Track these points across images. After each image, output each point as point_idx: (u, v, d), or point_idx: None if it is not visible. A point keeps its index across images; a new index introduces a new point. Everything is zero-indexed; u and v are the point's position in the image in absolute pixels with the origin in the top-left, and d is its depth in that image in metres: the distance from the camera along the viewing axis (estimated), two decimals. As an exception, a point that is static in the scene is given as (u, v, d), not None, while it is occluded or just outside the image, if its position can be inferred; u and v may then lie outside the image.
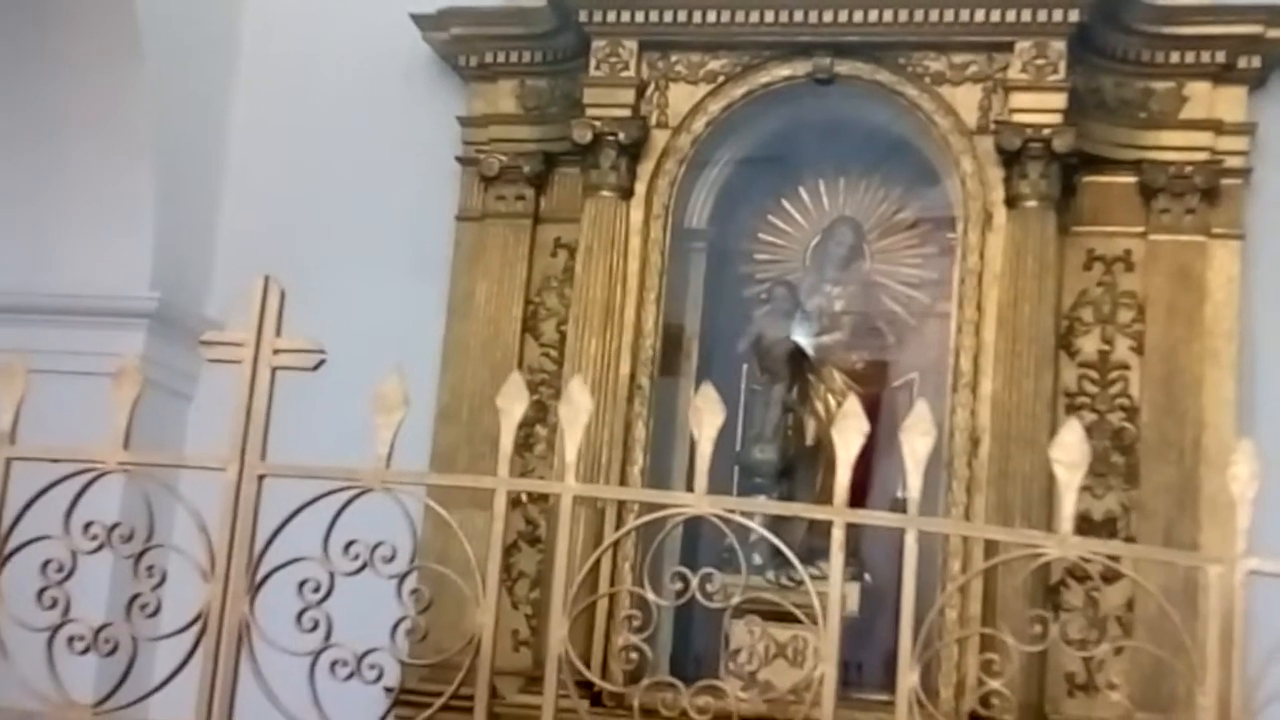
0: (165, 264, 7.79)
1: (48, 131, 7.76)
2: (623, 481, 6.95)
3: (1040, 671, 6.46)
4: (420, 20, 7.75)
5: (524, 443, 7.34)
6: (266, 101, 8.31)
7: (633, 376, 7.13)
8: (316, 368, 3.46)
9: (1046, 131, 6.76)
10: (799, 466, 7.44)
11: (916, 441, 3.17)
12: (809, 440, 7.47)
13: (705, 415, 3.27)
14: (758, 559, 6.29)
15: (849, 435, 3.21)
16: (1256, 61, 6.98)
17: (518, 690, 6.61)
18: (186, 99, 8.04)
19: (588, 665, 6.14)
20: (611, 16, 7.28)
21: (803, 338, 7.56)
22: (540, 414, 7.28)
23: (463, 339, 7.54)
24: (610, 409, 7.02)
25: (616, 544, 6.71)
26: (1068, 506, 3.11)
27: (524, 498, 7.27)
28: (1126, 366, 6.95)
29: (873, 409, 6.99)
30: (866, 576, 6.99)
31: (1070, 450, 3.13)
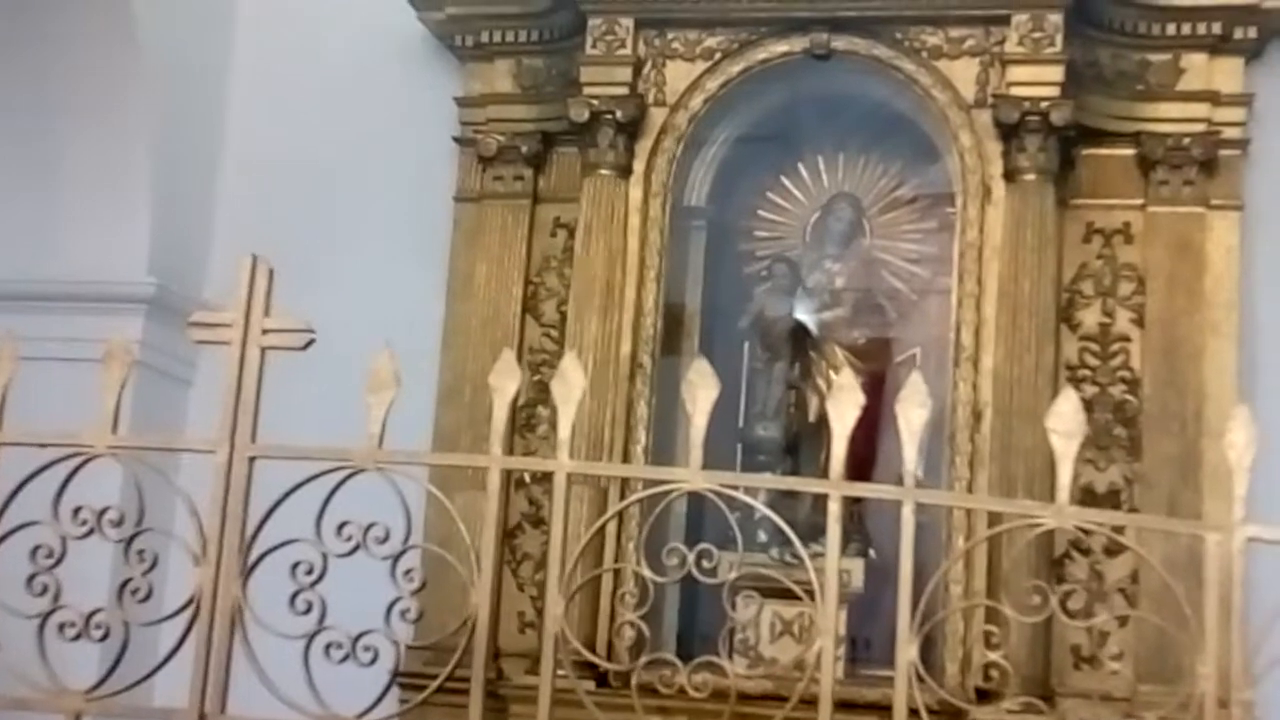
0: (163, 249, 7.78)
1: (44, 117, 7.75)
2: (625, 461, 6.93)
3: (1045, 645, 6.44)
4: (415, 0, 7.72)
5: (526, 424, 7.35)
6: (263, 85, 8.29)
7: (634, 355, 7.12)
8: (306, 347, 3.43)
9: (1044, 105, 6.75)
10: (803, 443, 7.40)
11: (912, 413, 3.15)
12: (812, 417, 7.40)
13: (699, 390, 3.24)
14: (763, 536, 6.31)
15: (844, 408, 3.19)
16: (1253, 32, 6.96)
17: (524, 672, 6.60)
18: (183, 83, 8.01)
19: (593, 647, 6.17)
20: (608, -6, 7.26)
21: (804, 314, 7.52)
22: (541, 395, 7.27)
23: (463, 320, 7.53)
24: (612, 388, 7.01)
25: (620, 524, 6.71)
26: (1064, 476, 3.08)
27: (527, 478, 7.26)
28: (1127, 339, 6.94)
29: (876, 385, 6.98)
30: (871, 553, 6.97)
31: (1066, 419, 3.10)
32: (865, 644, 6.72)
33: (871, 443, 6.23)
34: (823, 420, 7.15)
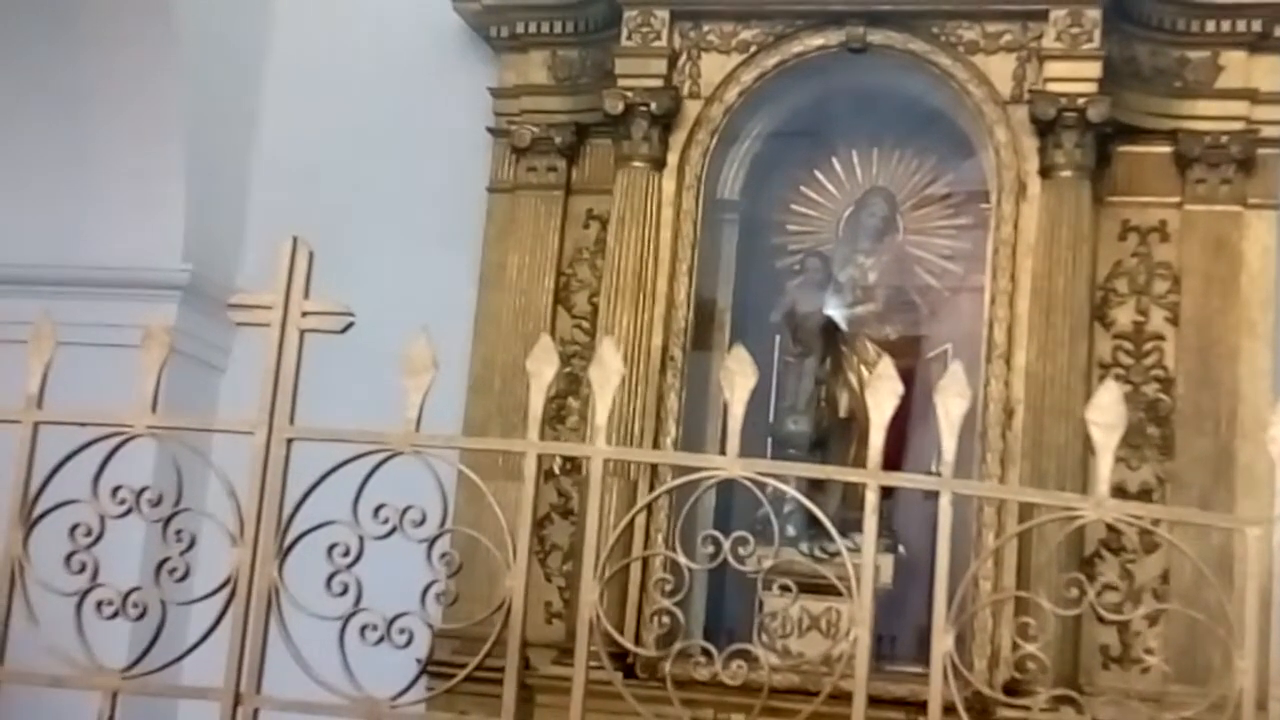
0: (197, 236, 7.81)
1: (80, 105, 7.78)
2: (655, 453, 6.93)
3: (1075, 643, 6.43)
4: (451, -9, 7.74)
5: (556, 415, 7.34)
6: (297, 73, 8.30)
7: (665, 348, 7.10)
8: (345, 330, 3.43)
9: (1081, 101, 6.72)
10: (832, 439, 7.40)
11: (951, 403, 3.13)
12: (842, 412, 7.41)
13: (737, 377, 3.23)
14: (791, 530, 6.29)
15: (882, 397, 3.18)
16: (1293, 30, 6.91)
17: (550, 662, 6.60)
18: (219, 73, 8.04)
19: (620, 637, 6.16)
20: (643, -14, 7.25)
21: (835, 310, 7.50)
22: (572, 386, 7.30)
23: (494, 310, 7.53)
24: (642, 381, 7.00)
25: (650, 514, 6.69)
26: (1104, 468, 3.07)
27: (556, 469, 7.26)
28: (1161, 337, 6.90)
29: (905, 382, 6.93)
30: (900, 549, 6.95)
31: (1107, 412, 3.09)
32: (891, 640, 6.70)
33: (900, 439, 6.22)
34: (852, 416, 7.27)
